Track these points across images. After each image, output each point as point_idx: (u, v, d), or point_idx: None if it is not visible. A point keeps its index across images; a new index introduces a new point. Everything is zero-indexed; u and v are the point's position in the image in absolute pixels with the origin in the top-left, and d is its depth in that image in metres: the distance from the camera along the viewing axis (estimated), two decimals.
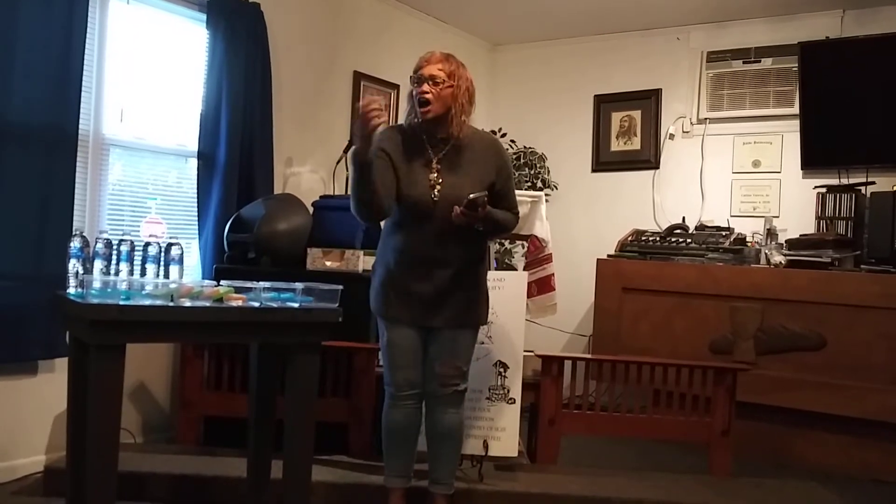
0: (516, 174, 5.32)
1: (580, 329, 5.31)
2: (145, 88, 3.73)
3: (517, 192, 2.96)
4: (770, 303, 4.17)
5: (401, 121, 2.86)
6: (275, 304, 2.49)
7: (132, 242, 2.68)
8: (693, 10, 5.02)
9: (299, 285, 2.52)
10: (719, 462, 3.41)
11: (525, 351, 3.31)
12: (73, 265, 2.55)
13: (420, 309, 2.71)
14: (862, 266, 4.18)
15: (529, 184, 5.43)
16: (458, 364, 2.76)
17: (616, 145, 5.57)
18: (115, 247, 2.64)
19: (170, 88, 3.85)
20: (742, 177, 5.10)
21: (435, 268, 2.70)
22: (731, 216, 5.05)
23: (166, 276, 2.71)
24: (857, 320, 3.95)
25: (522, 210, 3.51)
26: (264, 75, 4.07)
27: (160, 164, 3.86)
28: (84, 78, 3.34)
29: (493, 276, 3.16)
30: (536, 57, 5.92)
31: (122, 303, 2.22)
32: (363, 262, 3.44)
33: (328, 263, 3.50)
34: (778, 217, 4.83)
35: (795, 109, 4.85)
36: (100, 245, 2.61)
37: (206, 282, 2.61)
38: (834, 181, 4.69)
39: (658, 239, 4.85)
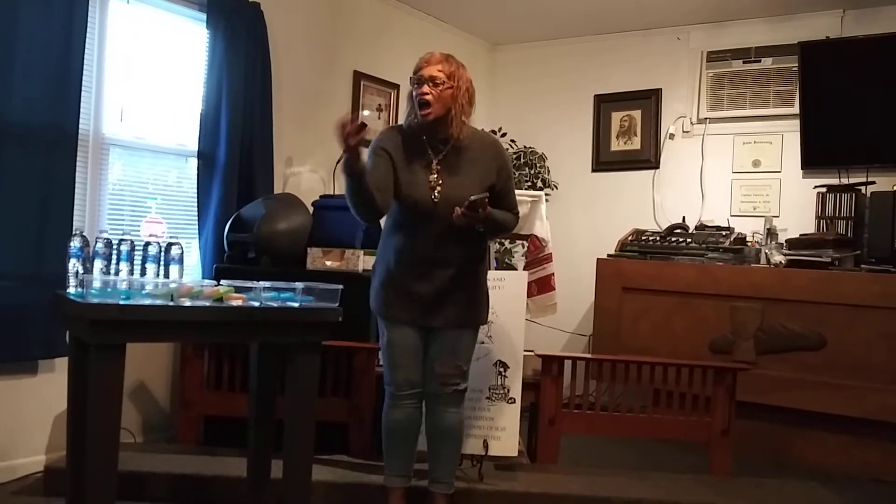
0: (516, 174, 5.32)
1: (580, 329, 5.31)
2: (145, 88, 3.73)
3: (517, 191, 2.97)
4: (770, 302, 4.17)
5: (400, 121, 2.86)
6: (275, 304, 2.49)
7: (132, 242, 2.68)
8: (693, 10, 5.02)
9: (299, 285, 2.52)
10: (719, 462, 3.41)
11: (525, 350, 3.31)
12: (73, 265, 2.55)
13: (420, 309, 2.71)
14: (862, 266, 4.18)
15: (529, 183, 5.43)
16: (459, 363, 2.77)
17: (616, 145, 5.57)
18: (115, 246, 2.64)
19: (170, 88, 3.85)
20: (742, 176, 5.10)
21: (435, 268, 2.70)
22: (731, 216, 5.05)
23: (166, 275, 2.71)
24: (857, 320, 3.95)
25: (522, 210, 3.51)
26: (264, 75, 4.07)
27: (160, 163, 3.86)
28: (84, 78, 3.34)
29: (493, 275, 3.16)
30: (536, 57, 5.92)
31: (122, 302, 2.22)
32: (363, 261, 3.44)
33: (328, 263, 3.50)
34: (778, 217, 4.83)
35: (795, 109, 4.85)
36: (100, 245, 2.61)
37: (206, 281, 2.61)
38: (834, 181, 4.69)
39: (658, 239, 4.85)
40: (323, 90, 4.64)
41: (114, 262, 2.63)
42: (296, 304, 2.50)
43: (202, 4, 3.85)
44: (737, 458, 3.50)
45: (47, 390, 3.27)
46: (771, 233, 4.51)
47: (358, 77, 4.85)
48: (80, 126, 3.32)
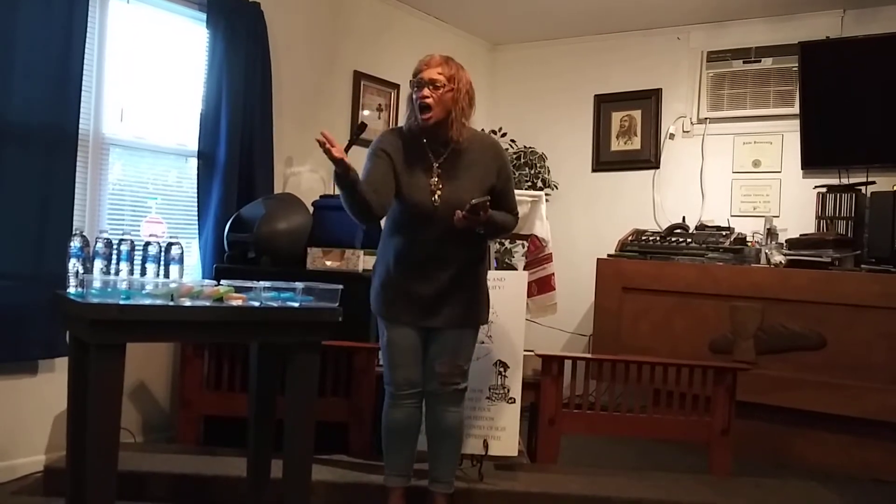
0: (516, 174, 5.33)
1: (580, 329, 5.31)
2: (145, 88, 3.73)
3: (517, 191, 2.97)
4: (770, 302, 4.17)
5: (400, 123, 2.86)
6: (275, 304, 2.49)
7: (132, 242, 2.69)
8: (693, 10, 5.02)
9: (299, 285, 2.52)
10: (719, 462, 3.41)
11: (525, 350, 3.31)
12: (73, 265, 2.55)
13: (420, 309, 2.71)
14: (862, 266, 4.18)
15: (529, 183, 5.43)
16: (459, 363, 2.77)
17: (616, 145, 5.57)
18: (115, 246, 2.64)
19: (170, 88, 3.85)
20: (742, 176, 5.10)
21: (435, 269, 2.70)
22: (732, 216, 5.05)
23: (166, 275, 2.72)
24: (857, 320, 3.95)
25: (522, 210, 3.51)
26: (264, 75, 4.07)
27: (160, 163, 3.86)
28: (84, 78, 3.34)
29: (493, 275, 3.16)
30: (536, 57, 5.92)
31: (122, 302, 2.22)
32: (363, 261, 3.44)
33: (328, 263, 3.50)
34: (778, 217, 4.83)
35: (795, 109, 4.85)
36: (100, 244, 2.61)
37: (206, 281, 2.61)
38: (834, 181, 4.69)
39: (658, 239, 4.85)
40: (323, 90, 4.64)
41: (114, 261, 2.63)
42: (296, 304, 2.50)
43: (202, 4, 3.85)
44: (737, 458, 3.50)
45: (47, 390, 3.27)
46: (771, 233, 4.51)
47: (358, 77, 4.85)
48: (80, 126, 3.32)
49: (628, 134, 5.52)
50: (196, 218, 3.86)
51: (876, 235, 4.27)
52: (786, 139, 4.94)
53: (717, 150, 5.18)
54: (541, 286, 3.72)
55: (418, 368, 2.76)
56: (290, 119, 4.37)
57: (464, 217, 2.55)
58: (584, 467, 3.51)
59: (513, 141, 5.63)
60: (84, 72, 3.33)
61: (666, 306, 4.46)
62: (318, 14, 4.60)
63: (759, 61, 5.04)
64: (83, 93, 3.34)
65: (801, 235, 4.50)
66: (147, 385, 3.77)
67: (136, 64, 3.68)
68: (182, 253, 2.79)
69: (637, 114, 5.48)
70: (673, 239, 4.80)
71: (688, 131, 5.31)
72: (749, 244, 4.56)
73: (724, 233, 4.73)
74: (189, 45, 3.91)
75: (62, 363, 2.96)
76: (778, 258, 4.28)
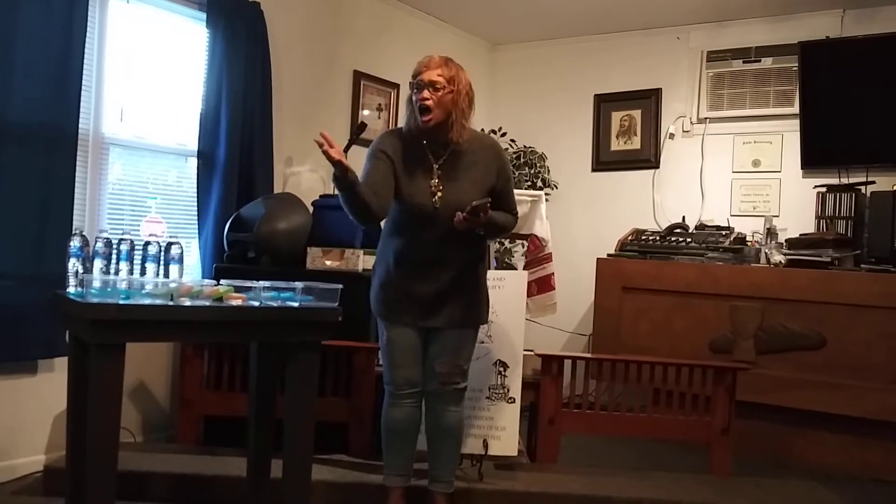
0: (516, 174, 5.33)
1: (580, 328, 5.31)
2: (145, 88, 3.73)
3: (517, 191, 2.97)
4: (770, 302, 4.17)
5: (400, 123, 2.85)
6: (275, 304, 2.49)
7: (132, 242, 2.68)
8: (693, 10, 5.02)
9: (299, 284, 2.52)
10: (719, 461, 3.41)
11: (525, 350, 3.31)
12: (73, 264, 2.55)
13: (420, 310, 2.71)
14: (862, 265, 4.18)
15: (529, 183, 5.43)
16: (459, 363, 2.77)
17: (616, 145, 5.57)
18: (114, 246, 2.64)
19: (170, 88, 3.85)
20: (742, 176, 5.10)
21: (435, 269, 2.70)
22: (731, 216, 5.05)
23: (166, 275, 2.72)
24: (857, 320, 3.95)
25: (522, 209, 3.51)
26: (264, 75, 4.07)
27: (160, 163, 3.86)
28: (84, 77, 3.34)
29: (493, 275, 3.16)
30: (536, 56, 5.92)
31: (121, 302, 2.22)
32: (363, 261, 3.44)
33: (328, 263, 3.50)
34: (778, 216, 4.83)
35: (795, 109, 4.85)
36: (99, 244, 2.61)
37: (206, 281, 2.61)
38: (834, 180, 4.68)
39: (658, 238, 4.85)
40: (323, 90, 4.64)
41: (113, 261, 2.63)
42: (295, 304, 2.50)
43: (202, 4, 3.85)
44: (737, 457, 3.50)
45: (47, 390, 3.27)
46: (771, 232, 4.51)
47: (358, 77, 4.85)
48: (80, 126, 3.32)
49: (628, 134, 5.52)
50: (196, 218, 3.85)
51: (876, 235, 4.27)
52: (785, 139, 4.94)
53: (717, 150, 5.18)
54: (540, 286, 3.72)
55: (418, 368, 2.76)
56: (290, 119, 4.37)
57: (464, 219, 2.55)
58: (584, 467, 3.51)
59: (513, 141, 5.63)
60: (84, 71, 3.33)
61: (666, 306, 4.46)
62: (317, 14, 4.60)
63: (759, 61, 5.04)
64: (83, 92, 3.34)
65: (800, 235, 4.50)
66: (147, 385, 3.76)
67: (136, 64, 3.68)
68: (182, 253, 2.79)
69: (637, 113, 5.48)
70: (673, 239, 4.80)
71: (688, 131, 5.31)
72: (749, 244, 4.56)
73: (723, 232, 4.73)
74: (189, 44, 3.91)
75: (62, 363, 2.96)
76: (778, 258, 4.28)
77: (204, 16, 3.83)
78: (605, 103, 5.61)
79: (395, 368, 2.74)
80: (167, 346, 3.81)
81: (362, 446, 3.33)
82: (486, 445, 3.18)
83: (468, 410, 3.07)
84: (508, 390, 3.24)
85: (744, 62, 5.10)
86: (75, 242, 2.57)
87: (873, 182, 4.52)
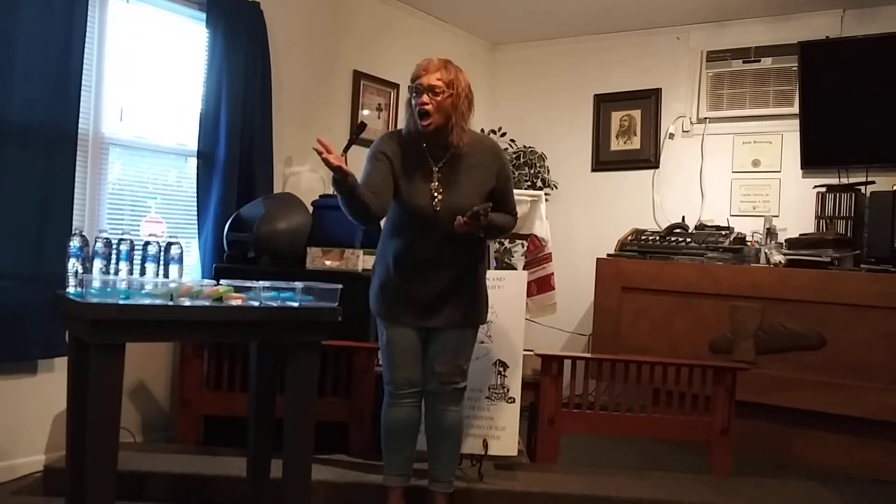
0: (516, 174, 5.33)
1: (580, 328, 5.31)
2: (145, 88, 3.73)
3: (517, 191, 2.97)
4: (770, 302, 4.17)
5: (400, 125, 2.85)
6: (274, 304, 2.49)
7: (132, 242, 2.69)
8: (693, 10, 5.02)
9: (299, 284, 2.52)
10: (719, 461, 3.41)
11: (525, 350, 3.31)
12: (73, 264, 2.55)
13: (420, 310, 2.72)
14: (862, 265, 4.18)
15: (529, 183, 5.43)
16: (459, 363, 2.77)
17: (616, 145, 5.57)
18: (114, 246, 2.64)
19: (169, 87, 3.85)
20: (742, 176, 5.10)
21: (435, 270, 2.71)
22: (731, 215, 5.05)
23: (166, 275, 2.72)
24: (857, 320, 3.95)
25: (522, 209, 3.52)
26: (264, 74, 4.07)
27: (160, 163, 3.86)
28: (84, 77, 3.34)
29: (492, 275, 3.16)
30: (536, 56, 5.92)
31: (121, 302, 2.23)
32: (363, 261, 3.44)
33: (328, 263, 3.50)
34: (778, 216, 4.83)
35: (795, 109, 4.85)
36: (99, 244, 2.61)
37: (206, 281, 2.61)
38: (834, 180, 4.68)
39: (658, 238, 4.85)
40: (323, 90, 4.64)
41: (113, 261, 2.63)
42: (295, 304, 2.50)
43: (202, 4, 3.85)
44: (737, 457, 3.50)
45: (47, 390, 3.27)
46: (770, 232, 4.51)
47: (358, 77, 4.85)
48: (80, 125, 3.32)
49: (628, 134, 5.52)
50: (196, 218, 3.85)
51: (875, 235, 4.27)
52: (785, 139, 4.94)
53: (717, 150, 5.18)
54: (540, 286, 3.72)
55: (418, 368, 2.76)
56: (290, 119, 4.37)
57: (465, 223, 2.55)
58: (584, 467, 3.51)
59: (512, 141, 5.63)
60: (84, 71, 3.33)
61: (666, 306, 4.46)
62: (317, 14, 4.60)
63: (759, 61, 5.04)
64: (83, 92, 3.34)
65: (800, 235, 4.50)
66: (147, 385, 3.76)
67: (136, 63, 3.68)
68: (181, 253, 2.79)
69: (637, 113, 5.48)
70: (672, 239, 4.80)
71: (687, 131, 5.31)
72: (749, 244, 4.56)
73: (723, 232, 4.73)
74: (189, 44, 3.91)
75: (62, 363, 2.96)
76: (777, 258, 4.28)
77: (204, 16, 3.83)
78: (604, 103, 5.61)
79: (395, 368, 2.75)
80: (167, 346, 3.81)
81: (362, 446, 3.33)
82: (485, 445, 3.18)
83: (468, 410, 3.07)
84: (508, 390, 3.24)
85: (744, 62, 5.10)
86: (75, 242, 2.57)
87: (873, 182, 4.52)
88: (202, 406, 3.44)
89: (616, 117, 5.57)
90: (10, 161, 3.09)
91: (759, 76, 5.05)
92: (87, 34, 3.33)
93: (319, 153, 2.38)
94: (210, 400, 3.42)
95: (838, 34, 4.75)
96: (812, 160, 4.77)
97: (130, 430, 3.55)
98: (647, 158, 5.43)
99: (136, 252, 2.69)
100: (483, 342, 3.15)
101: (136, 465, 3.00)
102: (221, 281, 2.51)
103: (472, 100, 2.70)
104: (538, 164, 5.56)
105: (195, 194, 3.84)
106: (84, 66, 3.33)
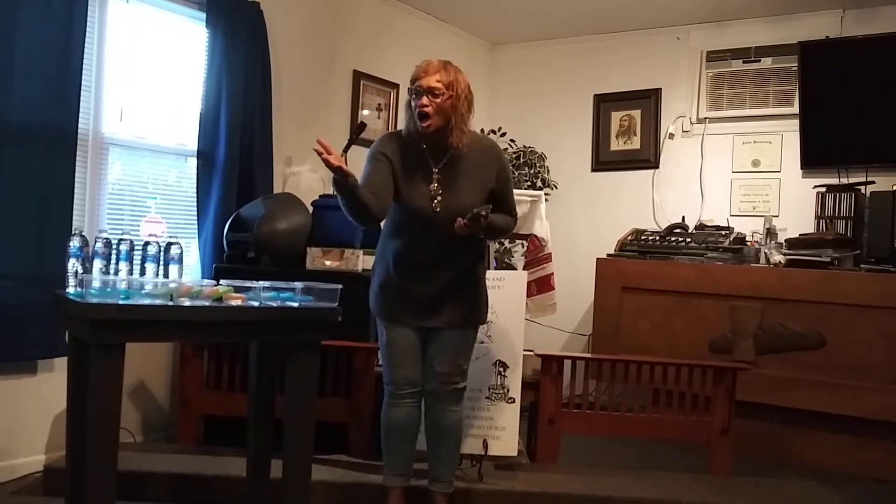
0: (516, 174, 5.33)
1: (580, 328, 5.31)
2: (145, 88, 3.73)
3: (517, 191, 2.97)
4: (770, 302, 4.17)
5: (400, 125, 2.85)
6: (274, 304, 2.49)
7: (132, 242, 2.69)
8: (693, 10, 5.02)
9: (299, 284, 2.52)
10: (719, 461, 3.41)
11: (524, 350, 3.31)
12: (73, 264, 2.55)
13: (420, 310, 2.72)
14: (862, 265, 4.18)
15: (529, 183, 5.43)
16: (459, 363, 2.77)
17: (616, 145, 5.57)
18: (114, 246, 2.64)
19: (169, 87, 3.85)
20: (742, 176, 5.10)
21: (435, 271, 2.71)
22: (731, 216, 5.05)
23: (166, 275, 2.72)
24: (857, 320, 3.95)
25: (522, 209, 3.52)
26: (264, 74, 4.07)
27: (160, 163, 3.86)
28: (84, 77, 3.34)
29: (492, 275, 3.17)
30: (536, 56, 5.92)
31: (121, 302, 2.23)
32: (363, 261, 3.44)
33: (328, 263, 3.50)
34: (777, 216, 4.83)
35: (795, 109, 4.85)
36: (99, 244, 2.61)
37: (206, 281, 2.61)
38: (833, 180, 4.68)
39: (658, 238, 4.85)
40: (323, 90, 4.64)
41: (113, 261, 2.63)
42: (295, 304, 2.50)
43: (202, 4, 3.85)
44: (737, 457, 3.50)
45: (47, 390, 3.27)
46: (770, 232, 4.51)
47: (358, 77, 4.85)
48: (80, 126, 3.32)
49: (628, 134, 5.52)
50: (195, 218, 3.85)
51: (875, 235, 4.27)
52: (785, 139, 4.94)
53: (717, 150, 5.18)
54: (540, 286, 3.72)
55: (418, 368, 2.76)
56: (290, 119, 4.37)
57: (465, 225, 2.55)
58: (584, 467, 3.51)
59: (512, 141, 5.63)
60: (84, 71, 3.33)
61: (665, 306, 4.47)
62: (317, 14, 4.60)
63: (759, 61, 5.05)
64: (83, 92, 3.34)
65: (800, 235, 4.50)
66: (147, 385, 3.76)
67: (136, 64, 3.68)
68: (181, 253, 2.79)
69: (636, 113, 5.48)
70: (672, 239, 4.80)
71: (687, 131, 5.31)
72: (748, 244, 4.56)
73: (723, 232, 4.73)
74: (189, 44, 3.91)
75: (62, 363, 2.96)
76: (777, 258, 4.28)
77: (204, 16, 3.83)
78: (604, 103, 5.61)
79: (395, 368, 2.75)
80: (167, 346, 3.81)
81: (362, 446, 3.33)
82: (485, 445, 3.18)
83: (468, 410, 3.07)
84: (508, 390, 3.24)
85: (743, 62, 5.10)
86: (75, 242, 2.57)
87: (873, 182, 4.52)
88: (202, 406, 3.44)
89: (616, 117, 5.57)
90: (10, 161, 3.09)
91: (759, 76, 5.05)
92: (87, 34, 3.33)
93: (319, 154, 2.38)
94: (210, 400, 3.42)
95: (838, 34, 4.75)
96: (812, 160, 4.77)
97: (130, 430, 3.55)
98: (646, 158, 5.43)
99: (135, 252, 2.69)
100: (483, 342, 3.15)
101: (136, 465, 3.00)
102: (221, 281, 2.51)
103: (471, 101, 2.69)
104: (538, 164, 5.56)
105: (195, 194, 3.84)
106: (84, 66, 3.33)
